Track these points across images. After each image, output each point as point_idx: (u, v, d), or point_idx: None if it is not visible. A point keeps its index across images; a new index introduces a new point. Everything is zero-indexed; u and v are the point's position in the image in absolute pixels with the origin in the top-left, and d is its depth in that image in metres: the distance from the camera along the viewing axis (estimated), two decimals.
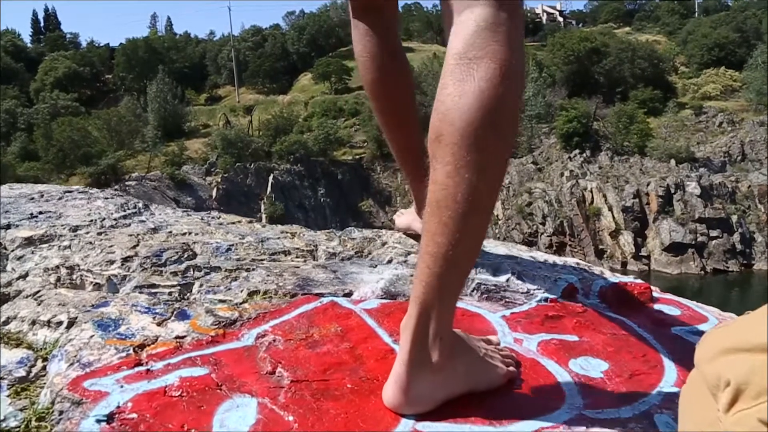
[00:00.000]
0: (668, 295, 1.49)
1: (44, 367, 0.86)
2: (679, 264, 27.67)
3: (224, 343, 0.95)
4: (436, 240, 0.82)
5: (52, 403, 0.76)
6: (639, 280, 1.49)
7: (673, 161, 30.56)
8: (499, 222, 29.23)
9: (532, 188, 30.21)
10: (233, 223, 1.57)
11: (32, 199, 1.52)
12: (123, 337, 0.93)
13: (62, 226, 1.33)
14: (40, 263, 1.17)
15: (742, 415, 0.55)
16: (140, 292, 1.09)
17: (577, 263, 1.54)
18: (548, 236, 28.97)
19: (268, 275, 1.23)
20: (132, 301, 1.04)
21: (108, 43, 53.20)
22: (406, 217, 1.53)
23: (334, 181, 33.41)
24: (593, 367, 1.03)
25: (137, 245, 1.27)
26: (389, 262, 1.42)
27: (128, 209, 1.53)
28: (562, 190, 30.09)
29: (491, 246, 1.53)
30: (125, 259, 1.20)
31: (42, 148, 32.22)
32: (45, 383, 0.82)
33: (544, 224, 29.16)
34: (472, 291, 1.28)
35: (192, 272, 1.22)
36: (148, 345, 0.92)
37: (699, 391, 0.69)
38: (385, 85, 1.27)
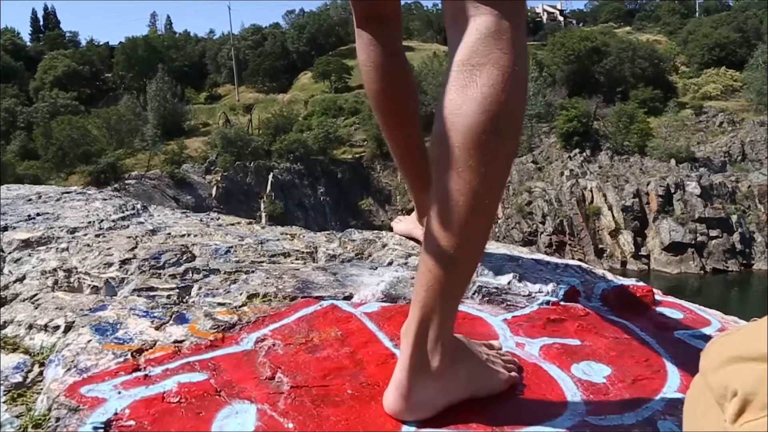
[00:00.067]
0: (670, 298, 1.48)
1: (41, 373, 0.85)
2: (678, 264, 27.66)
3: (223, 348, 0.94)
4: (438, 243, 0.81)
5: (49, 409, 0.75)
6: (641, 283, 1.48)
7: (673, 161, 30.55)
8: (499, 221, 29.22)
9: (532, 187, 30.20)
10: (232, 224, 1.56)
11: (30, 200, 1.51)
12: (121, 341, 0.92)
13: (60, 228, 1.32)
14: (37, 266, 1.16)
15: (749, 426, 0.54)
16: (138, 296, 1.08)
17: (579, 265, 1.53)
18: (548, 235, 28.96)
19: (267, 278, 1.22)
20: (130, 305, 1.03)
21: (107, 42, 53.19)
22: (406, 223, 1.53)
23: (334, 179, 33.39)
24: (596, 372, 1.03)
25: (135, 247, 1.26)
26: (390, 264, 1.41)
27: (126, 210, 1.52)
28: (562, 190, 30.07)
29: (492, 247, 1.52)
30: (123, 262, 1.19)
31: (41, 146, 32.18)
32: (42, 389, 0.81)
33: (543, 223, 29.15)
34: (474, 294, 1.27)
35: (191, 275, 1.20)
36: (146, 350, 0.91)
37: (704, 400, 0.68)
38: (389, 96, 1.27)
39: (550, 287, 1.34)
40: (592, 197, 29.76)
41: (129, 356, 0.88)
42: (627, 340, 1.18)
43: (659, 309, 1.38)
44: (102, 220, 1.41)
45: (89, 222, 1.38)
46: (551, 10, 62.62)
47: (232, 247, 1.36)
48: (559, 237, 28.91)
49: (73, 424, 0.72)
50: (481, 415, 0.85)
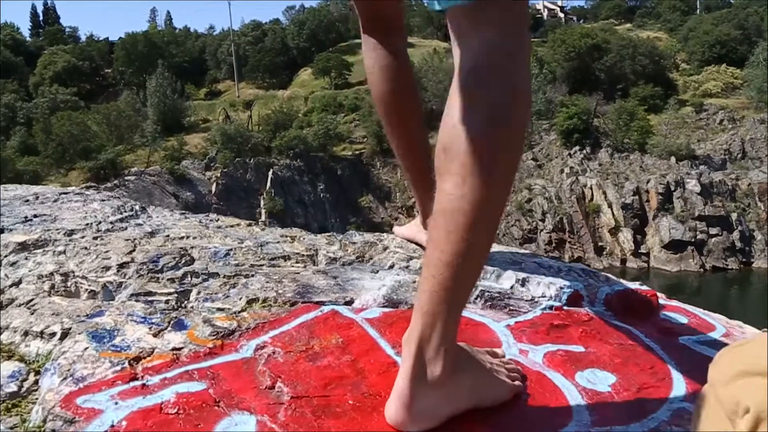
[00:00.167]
0: (674, 302, 1.47)
1: (36, 381, 0.84)
2: (678, 261, 27.68)
3: (222, 355, 0.93)
4: (441, 249, 0.81)
5: (44, 421, 0.73)
6: (645, 287, 1.47)
7: (673, 158, 30.52)
8: None
9: (531, 185, 30.19)
10: (232, 226, 1.54)
11: (27, 201, 1.49)
12: (118, 349, 0.90)
13: (57, 230, 1.30)
14: (33, 270, 1.14)
15: None
16: (136, 300, 1.07)
17: (582, 269, 1.52)
18: (548, 233, 28.96)
19: (267, 282, 1.20)
20: (128, 311, 1.01)
21: (107, 38, 53.07)
22: (409, 228, 1.51)
23: (334, 176, 33.36)
24: (600, 381, 1.01)
25: (134, 250, 1.24)
26: (391, 267, 1.39)
27: (125, 212, 1.50)
28: (562, 187, 30.06)
29: (495, 250, 1.50)
30: (121, 266, 1.17)
31: (41, 142, 32.12)
32: (37, 399, 0.79)
33: (543, 221, 29.15)
34: (476, 298, 1.25)
35: (189, 279, 1.19)
36: (144, 357, 0.89)
37: (714, 414, 0.67)
38: (395, 97, 1.31)
39: (553, 291, 1.32)
40: (592, 195, 29.75)
41: (126, 364, 0.86)
42: (631, 346, 1.17)
43: (663, 314, 1.37)
44: (100, 222, 1.39)
45: (87, 224, 1.36)
46: (552, 6, 62.47)
47: (231, 249, 1.34)
48: (559, 234, 28.91)
49: None
50: (485, 425, 0.84)
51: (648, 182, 29.19)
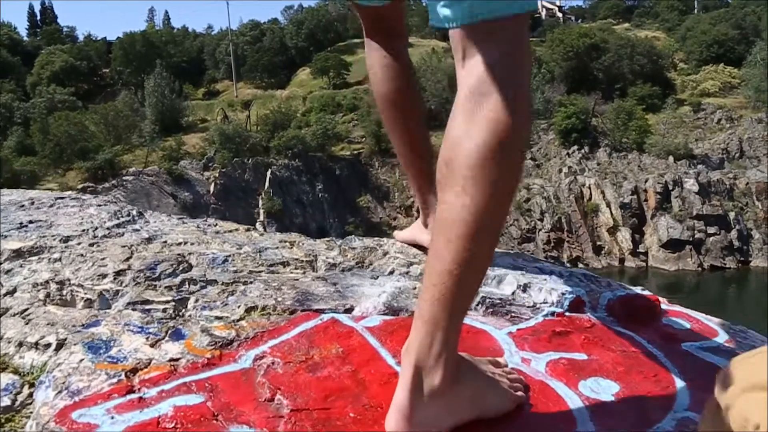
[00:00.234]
0: (677, 307, 1.46)
1: (31, 394, 0.82)
2: (676, 261, 27.70)
3: (221, 366, 0.91)
4: (442, 258, 0.81)
5: None
6: (647, 292, 1.45)
7: (671, 158, 30.55)
8: None
9: (530, 184, 30.19)
10: (230, 231, 1.53)
11: (22, 206, 1.47)
12: (114, 360, 0.89)
13: (53, 236, 1.29)
14: (28, 278, 1.13)
15: None
16: (133, 309, 1.05)
17: (584, 273, 1.51)
18: (546, 232, 28.97)
19: (266, 289, 1.19)
20: (124, 320, 1.00)
21: (105, 37, 52.97)
22: (410, 230, 1.50)
23: (332, 176, 33.33)
24: (604, 390, 1.00)
25: (130, 257, 1.23)
26: (391, 273, 1.38)
27: (122, 217, 1.48)
28: (561, 187, 30.08)
29: (496, 255, 1.49)
30: (118, 273, 1.16)
31: (39, 142, 32.03)
32: (31, 413, 0.78)
33: (542, 220, 29.16)
34: (477, 305, 1.24)
35: (187, 286, 1.17)
36: (141, 369, 0.87)
37: (722, 428, 0.66)
38: (397, 97, 1.33)
39: (554, 297, 1.31)
40: (591, 194, 29.77)
41: (123, 376, 0.85)
42: (634, 353, 1.16)
43: (665, 319, 1.36)
44: (96, 228, 1.37)
45: (83, 230, 1.35)
46: (550, 6, 62.49)
47: (229, 255, 1.33)
48: (557, 234, 28.92)
49: None
50: None
51: (646, 182, 29.22)
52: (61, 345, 0.91)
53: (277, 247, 1.42)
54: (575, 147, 31.78)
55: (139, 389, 0.83)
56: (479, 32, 0.82)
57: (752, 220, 28.58)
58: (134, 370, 0.87)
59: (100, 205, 1.54)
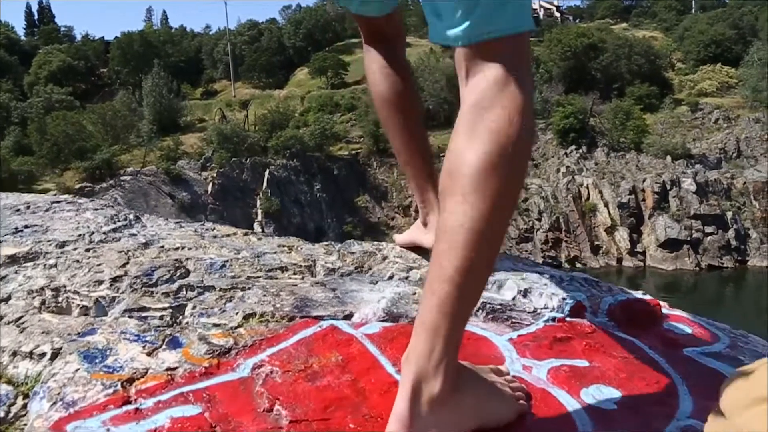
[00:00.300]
0: (677, 311, 1.45)
1: (25, 406, 0.81)
2: (674, 260, 27.74)
3: (218, 375, 0.90)
4: (442, 265, 0.81)
5: None
6: (648, 296, 1.45)
7: (669, 157, 30.58)
8: None
9: (528, 184, 30.18)
10: (228, 235, 1.51)
11: (18, 210, 1.45)
12: (110, 370, 0.87)
13: (48, 241, 1.27)
14: (23, 284, 1.11)
15: None
16: (130, 317, 1.04)
17: (585, 277, 1.50)
18: (544, 232, 28.99)
19: (264, 295, 1.18)
20: (120, 328, 0.98)
21: (103, 37, 52.87)
22: (409, 232, 1.49)
23: (330, 176, 33.31)
24: (606, 397, 0.99)
25: (127, 263, 1.22)
26: (390, 278, 1.37)
27: (118, 221, 1.47)
28: (558, 186, 30.09)
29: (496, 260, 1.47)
30: (114, 279, 1.14)
31: (36, 142, 31.95)
32: (25, 425, 0.77)
33: (540, 220, 29.18)
34: (478, 311, 1.23)
35: (185, 292, 1.16)
36: (138, 379, 0.86)
37: None
38: (395, 98, 1.35)
39: (555, 303, 1.30)
40: (588, 194, 29.79)
41: (119, 387, 0.83)
42: (636, 359, 1.15)
43: (667, 324, 1.35)
44: (93, 233, 1.36)
45: (79, 235, 1.33)
46: (548, 6, 62.52)
47: (227, 261, 1.32)
48: (555, 234, 28.95)
49: None
50: None
51: (644, 181, 29.25)
52: (56, 354, 0.89)
53: (275, 252, 1.41)
54: (573, 147, 31.80)
55: (135, 400, 0.81)
56: (482, 51, 0.84)
57: (749, 220, 28.63)
58: (131, 380, 0.85)
59: (96, 210, 1.52)
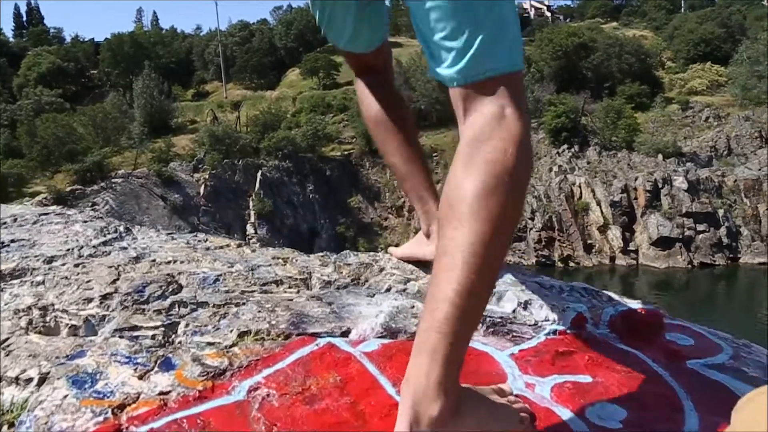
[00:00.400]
0: (679, 321, 1.43)
1: None
2: (666, 258, 27.87)
3: (213, 399, 0.87)
4: (442, 286, 0.81)
5: None
6: (649, 306, 1.43)
7: (660, 156, 30.74)
8: None
9: None
10: (221, 247, 1.48)
11: (5, 224, 1.42)
12: (101, 395, 0.84)
13: (36, 257, 1.24)
14: (10, 303, 1.08)
15: None
16: (120, 337, 1.00)
17: (585, 288, 1.48)
18: (537, 231, 29.06)
19: (259, 311, 1.15)
20: (111, 349, 0.95)
21: (93, 38, 52.51)
22: (408, 246, 1.47)
23: (323, 177, 33.23)
24: (611, 416, 0.96)
25: (117, 279, 1.18)
26: (388, 290, 1.34)
27: (108, 234, 1.43)
28: (551, 186, 30.17)
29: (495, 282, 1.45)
30: (104, 297, 1.11)
31: (26, 145, 31.67)
32: None
33: (533, 219, 29.24)
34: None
35: (177, 309, 1.13)
36: (129, 405, 0.83)
37: None
38: (389, 117, 1.37)
39: (556, 314, 1.28)
40: (581, 193, 29.89)
41: (109, 414, 0.80)
42: (639, 374, 1.12)
43: (669, 335, 1.33)
44: (82, 247, 1.32)
45: (68, 249, 1.30)
46: (538, 5, 62.70)
47: (221, 274, 1.28)
48: (548, 233, 29.02)
49: None
50: None
51: (636, 180, 29.38)
52: (43, 379, 0.86)
53: (269, 264, 1.38)
54: (565, 146, 31.89)
55: (127, 428, 0.78)
56: (478, 89, 0.88)
57: (741, 217, 28.82)
58: (122, 406, 0.82)
59: (85, 222, 1.48)
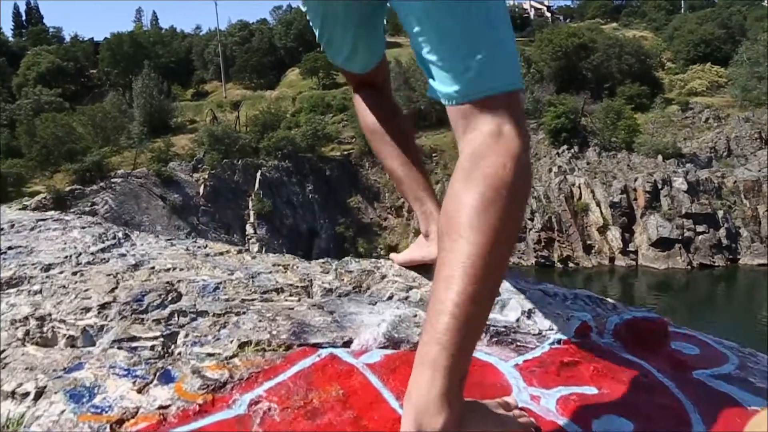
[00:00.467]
0: (684, 329, 1.41)
1: None
2: (666, 259, 27.86)
3: (213, 413, 0.85)
4: (443, 298, 0.80)
5: None
6: (654, 314, 1.41)
7: (660, 157, 30.74)
8: None
9: None
10: (221, 253, 1.46)
11: (1, 230, 1.40)
12: (99, 410, 0.82)
13: (33, 265, 1.22)
14: (6, 313, 1.06)
15: None
16: (119, 348, 0.99)
17: (589, 296, 1.46)
18: (537, 232, 29.06)
19: (260, 320, 1.13)
20: (109, 362, 0.94)
21: (92, 38, 52.45)
22: (408, 252, 1.45)
23: (323, 177, 33.22)
24: (617, 429, 0.95)
25: (116, 287, 1.16)
26: (390, 298, 1.32)
27: (107, 240, 1.42)
28: (551, 186, 30.16)
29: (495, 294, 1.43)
30: (102, 306, 1.09)
31: (25, 145, 31.64)
32: None
33: (532, 220, 29.23)
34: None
35: (176, 318, 1.11)
36: (128, 420, 0.81)
37: None
38: (386, 124, 1.39)
39: (560, 323, 1.26)
40: (581, 193, 29.88)
41: (108, 430, 0.79)
42: (645, 385, 1.11)
43: (674, 344, 1.31)
44: (80, 254, 1.31)
45: (66, 256, 1.28)
46: (538, 6, 62.71)
47: (221, 282, 1.27)
48: (548, 234, 29.01)
49: None
50: None
51: (635, 180, 29.37)
52: (40, 393, 0.85)
53: (270, 272, 1.36)
54: (565, 146, 31.89)
55: None
56: (477, 107, 0.89)
57: (740, 218, 28.82)
58: (120, 422, 0.81)
59: (83, 228, 1.47)
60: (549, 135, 32.32)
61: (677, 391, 1.11)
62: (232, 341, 1.05)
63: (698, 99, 35.27)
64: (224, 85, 44.45)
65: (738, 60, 35.14)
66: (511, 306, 1.29)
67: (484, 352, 1.14)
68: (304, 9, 1.28)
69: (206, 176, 31.06)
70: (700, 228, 27.99)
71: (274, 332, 1.09)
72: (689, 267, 27.44)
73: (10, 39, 53.69)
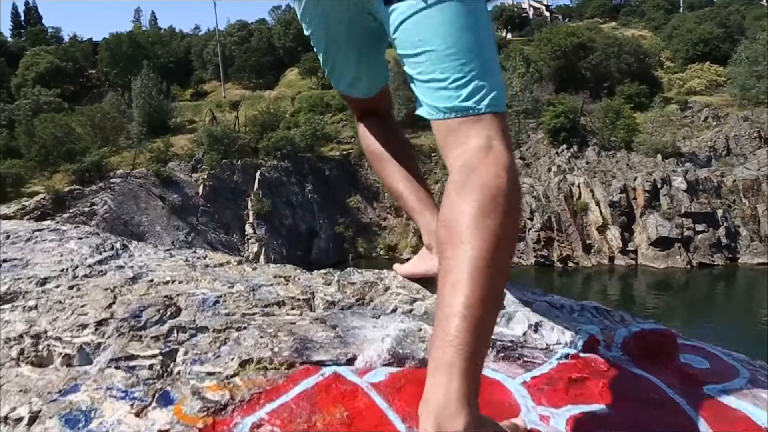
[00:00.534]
0: (693, 341, 1.39)
1: None
2: (665, 258, 27.86)
3: None
4: (450, 303, 0.82)
5: None
6: (662, 326, 1.39)
7: (659, 156, 30.73)
8: None
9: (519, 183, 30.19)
10: (221, 264, 1.44)
11: None
12: None
13: (28, 278, 1.19)
14: (0, 330, 1.03)
15: None
16: (116, 368, 0.96)
17: (596, 307, 1.43)
18: (536, 231, 29.05)
19: (261, 336, 1.10)
20: (106, 383, 0.91)
21: (91, 38, 52.38)
22: (412, 264, 1.42)
23: (322, 177, 33.18)
24: None
25: (114, 302, 1.14)
26: (393, 311, 1.30)
27: (104, 251, 1.39)
28: (550, 186, 30.15)
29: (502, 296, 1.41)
30: (99, 323, 1.06)
31: (24, 145, 31.58)
32: None
33: (532, 219, 29.22)
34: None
35: (176, 335, 1.08)
36: None
37: None
38: (389, 146, 1.41)
39: (568, 337, 1.23)
40: (580, 193, 29.87)
41: None
42: (655, 401, 1.09)
43: (683, 357, 1.29)
44: (77, 266, 1.28)
45: (62, 269, 1.25)
46: (537, 5, 62.68)
47: (221, 296, 1.24)
48: (548, 233, 29.01)
49: None
50: None
51: (635, 180, 29.37)
52: (34, 418, 0.82)
53: (271, 284, 1.33)
54: (564, 146, 31.87)
55: None
56: (467, 124, 0.93)
57: (740, 218, 28.82)
58: None
59: (81, 238, 1.44)
60: (548, 134, 32.31)
61: (688, 408, 1.09)
62: (232, 359, 1.02)
63: (697, 98, 35.27)
64: (223, 85, 44.40)
65: (737, 59, 35.14)
66: (518, 319, 1.27)
67: (491, 368, 1.11)
68: (307, 33, 1.32)
69: (205, 176, 31.02)
70: (699, 227, 27.99)
71: (276, 349, 1.06)
72: (689, 266, 27.44)
73: (9, 39, 53.60)
